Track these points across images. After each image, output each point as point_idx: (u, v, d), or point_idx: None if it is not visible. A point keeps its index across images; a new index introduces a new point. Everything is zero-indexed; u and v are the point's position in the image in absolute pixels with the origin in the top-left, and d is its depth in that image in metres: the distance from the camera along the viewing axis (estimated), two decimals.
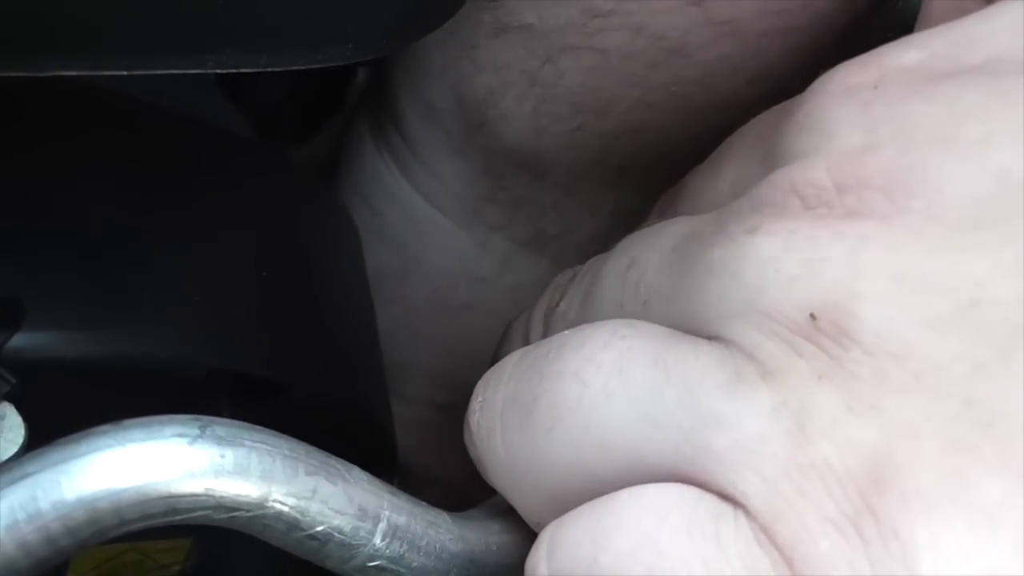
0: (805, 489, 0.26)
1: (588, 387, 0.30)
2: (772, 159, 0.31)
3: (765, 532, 0.27)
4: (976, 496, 0.25)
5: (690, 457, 0.28)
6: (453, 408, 0.48)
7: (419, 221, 0.48)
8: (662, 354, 0.29)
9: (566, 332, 0.32)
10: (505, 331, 0.41)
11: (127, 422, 0.28)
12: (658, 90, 0.41)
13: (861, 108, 0.29)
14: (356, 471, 0.30)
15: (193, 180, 0.36)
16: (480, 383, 0.34)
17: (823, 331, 0.27)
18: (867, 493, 0.26)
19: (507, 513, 0.34)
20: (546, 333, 0.37)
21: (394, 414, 0.46)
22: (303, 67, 0.33)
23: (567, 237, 0.48)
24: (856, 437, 0.26)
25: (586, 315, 0.34)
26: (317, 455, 0.29)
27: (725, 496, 0.28)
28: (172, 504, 0.28)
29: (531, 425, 0.31)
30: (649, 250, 0.33)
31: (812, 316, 0.27)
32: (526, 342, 0.37)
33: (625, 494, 0.29)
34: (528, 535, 0.33)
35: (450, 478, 0.51)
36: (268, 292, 0.35)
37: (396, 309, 0.49)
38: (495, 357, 0.39)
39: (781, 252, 0.28)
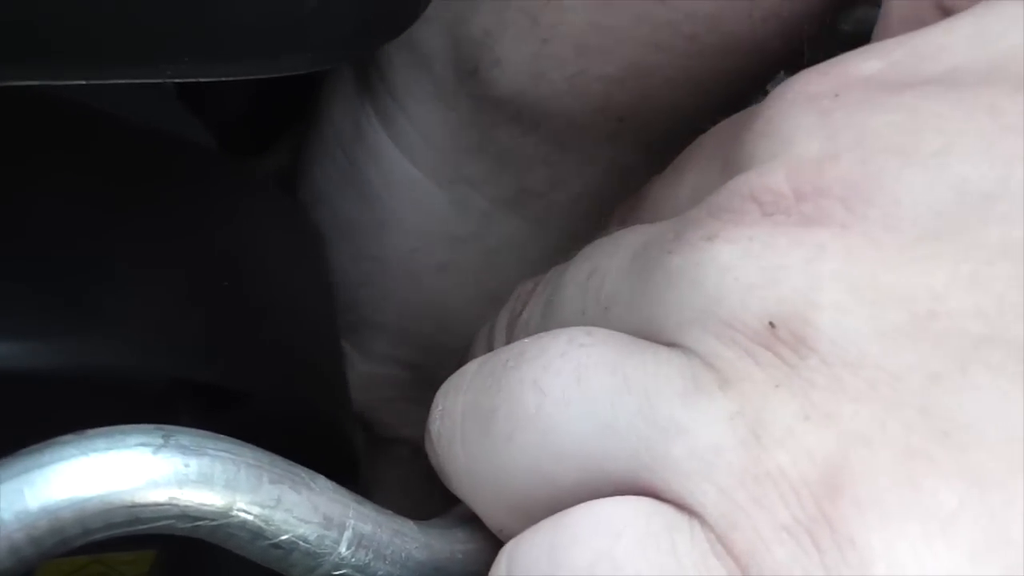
0: (760, 498, 0.27)
1: (546, 396, 0.30)
2: (732, 166, 0.31)
3: (721, 541, 0.27)
4: (931, 505, 0.25)
5: (649, 465, 0.28)
6: (419, 367, 0.48)
7: (396, 177, 0.47)
8: (621, 362, 0.30)
9: (525, 340, 0.32)
10: (471, 342, 0.41)
11: (90, 432, 0.28)
12: (667, 28, 0.40)
13: (820, 116, 0.29)
14: (321, 480, 0.30)
15: (152, 190, 0.36)
16: (440, 392, 0.34)
17: (781, 340, 0.27)
18: (822, 500, 0.26)
19: (472, 521, 0.34)
20: (509, 343, 0.37)
21: (359, 370, 0.46)
22: (262, 76, 0.33)
23: (554, 195, 0.47)
24: (811, 445, 0.26)
25: (548, 324, 0.34)
26: (281, 464, 0.29)
27: (682, 506, 0.28)
28: (136, 513, 0.28)
29: (491, 434, 0.32)
30: (609, 258, 0.33)
31: (771, 324, 0.27)
32: (490, 351, 0.37)
33: (580, 510, 0.29)
34: (493, 544, 0.33)
35: (415, 436, 0.51)
36: (228, 302, 0.35)
37: (368, 266, 0.48)
38: (458, 361, 0.39)
39: (739, 260, 0.28)
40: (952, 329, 0.26)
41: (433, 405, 0.34)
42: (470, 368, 0.34)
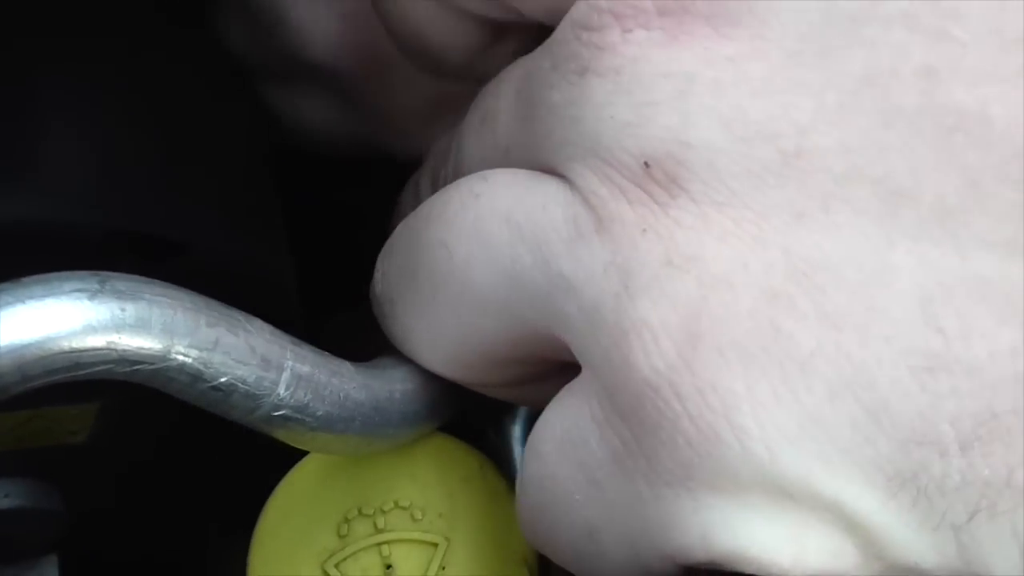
0: (627, 353, 0.27)
1: (453, 253, 0.31)
2: None
3: (612, 407, 0.28)
4: (790, 347, 0.26)
5: (554, 320, 0.30)
6: None
7: None
8: (513, 209, 0.30)
9: (432, 197, 0.33)
10: (399, 200, 0.42)
11: (26, 279, 0.29)
12: None
13: None
14: (258, 322, 0.31)
15: (83, 40, 0.36)
16: (380, 255, 0.36)
17: (654, 179, 0.28)
18: (683, 348, 0.27)
19: (409, 362, 0.35)
20: None
21: None
22: None
23: None
24: (672, 291, 0.27)
25: (459, 176, 0.35)
26: (218, 307, 0.30)
27: (583, 376, 0.29)
28: (74, 359, 0.28)
29: (418, 293, 0.33)
30: (496, 98, 0.33)
31: (645, 164, 0.28)
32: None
33: (527, 444, 0.31)
34: (429, 384, 0.35)
35: None
36: (162, 152, 0.36)
37: None
38: (391, 223, 0.40)
39: (612, 96, 0.28)
40: (817, 166, 0.27)
41: (376, 268, 0.35)
42: (397, 230, 0.35)
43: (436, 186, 0.38)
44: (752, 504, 0.27)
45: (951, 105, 0.26)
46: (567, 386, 0.31)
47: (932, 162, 0.26)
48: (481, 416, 0.43)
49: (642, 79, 0.28)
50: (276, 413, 0.31)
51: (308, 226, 0.42)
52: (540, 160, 0.31)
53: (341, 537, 0.37)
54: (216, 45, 0.45)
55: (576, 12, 0.30)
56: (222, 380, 0.30)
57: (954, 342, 0.26)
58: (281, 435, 0.32)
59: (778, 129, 0.27)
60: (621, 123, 0.28)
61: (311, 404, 0.31)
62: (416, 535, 0.37)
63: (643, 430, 0.27)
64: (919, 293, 0.26)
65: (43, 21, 0.36)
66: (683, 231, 0.27)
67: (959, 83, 0.26)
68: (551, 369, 0.33)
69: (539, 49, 0.32)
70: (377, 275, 0.36)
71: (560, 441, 0.30)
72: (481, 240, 0.31)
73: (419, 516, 0.37)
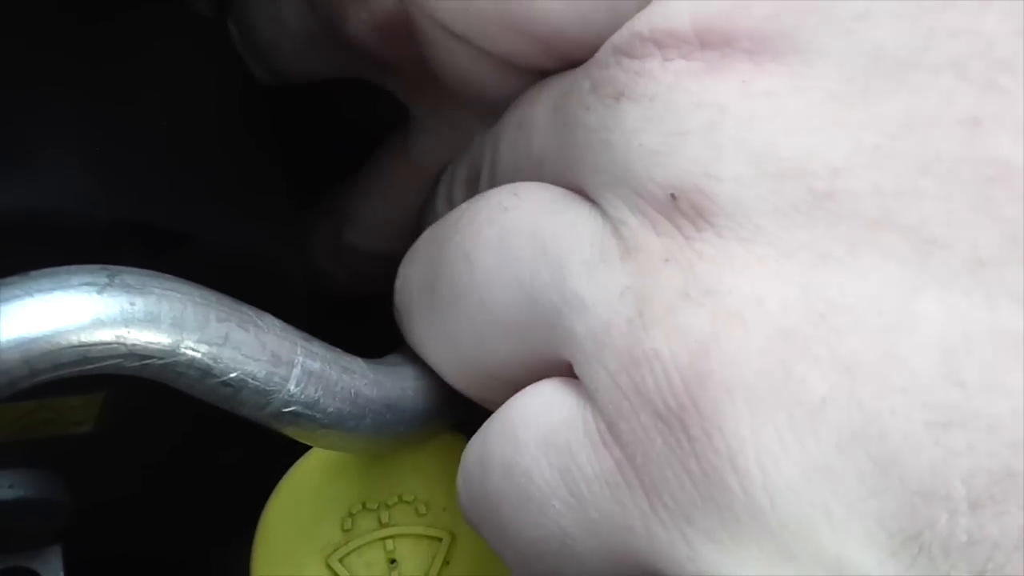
0: (639, 383, 0.27)
1: (476, 267, 0.31)
2: None
3: (610, 431, 0.27)
4: (800, 392, 0.25)
5: (563, 340, 0.29)
6: None
7: None
8: (541, 226, 0.30)
9: (462, 206, 0.33)
10: (432, 190, 0.41)
11: (34, 273, 0.28)
12: None
13: None
14: (268, 317, 0.31)
15: (88, 28, 0.36)
16: (403, 260, 0.35)
17: (681, 211, 0.27)
18: (691, 386, 0.26)
19: (422, 359, 0.35)
20: (467, 198, 0.37)
21: None
22: None
23: None
24: (686, 324, 0.26)
25: (494, 182, 0.35)
26: (228, 302, 0.30)
27: (584, 389, 0.28)
28: (83, 353, 0.28)
29: (437, 304, 0.32)
30: (533, 107, 0.33)
31: (672, 196, 0.27)
32: (450, 206, 0.37)
33: (495, 420, 0.31)
34: (441, 380, 0.34)
35: None
36: (168, 142, 0.35)
37: None
38: (423, 216, 0.40)
39: (643, 124, 0.28)
40: (849, 209, 0.26)
41: (397, 276, 0.35)
42: (423, 237, 0.34)
43: (472, 186, 0.37)
44: (751, 563, 0.26)
45: (992, 156, 0.25)
46: (557, 379, 0.30)
47: (968, 212, 0.25)
48: (482, 409, 0.43)
49: (675, 108, 0.27)
50: (286, 409, 0.30)
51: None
52: (572, 179, 0.30)
53: (345, 531, 0.37)
54: (212, 26, 0.44)
55: (618, 37, 0.29)
56: (232, 376, 0.29)
57: (975, 396, 0.24)
58: (291, 432, 0.31)
59: (810, 168, 0.26)
60: (649, 151, 0.28)
61: (322, 401, 0.31)
62: (420, 529, 0.37)
63: (645, 463, 0.27)
64: (942, 343, 0.25)
65: (44, 11, 0.35)
66: (704, 264, 0.27)
67: (1004, 134, 0.25)
68: None
69: (580, 68, 0.31)
70: (399, 281, 0.36)
71: (542, 439, 0.29)
72: (504, 254, 0.30)
73: (423, 510, 0.37)
